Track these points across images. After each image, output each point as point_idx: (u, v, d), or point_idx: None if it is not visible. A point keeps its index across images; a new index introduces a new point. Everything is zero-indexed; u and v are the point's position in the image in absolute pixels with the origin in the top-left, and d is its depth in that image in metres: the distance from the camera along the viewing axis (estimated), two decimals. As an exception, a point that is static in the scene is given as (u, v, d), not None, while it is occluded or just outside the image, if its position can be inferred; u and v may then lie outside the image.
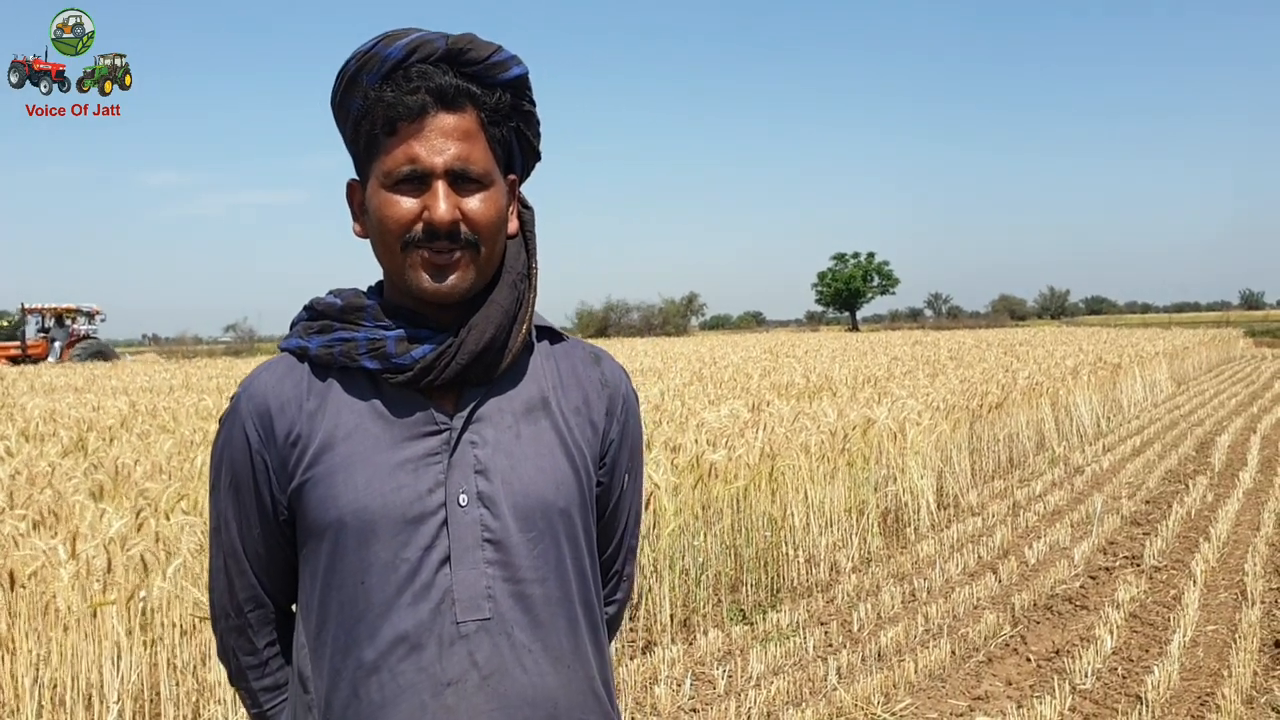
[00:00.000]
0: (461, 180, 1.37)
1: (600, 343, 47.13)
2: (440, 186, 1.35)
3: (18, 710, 3.62)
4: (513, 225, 1.48)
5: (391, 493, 1.36)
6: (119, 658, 3.81)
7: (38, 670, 3.67)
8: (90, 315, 43.92)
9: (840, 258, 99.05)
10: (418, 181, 1.36)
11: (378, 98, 1.35)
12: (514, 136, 1.47)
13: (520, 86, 1.44)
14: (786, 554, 6.76)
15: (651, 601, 5.77)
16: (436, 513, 1.36)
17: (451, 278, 1.38)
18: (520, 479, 1.40)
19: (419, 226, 1.36)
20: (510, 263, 1.47)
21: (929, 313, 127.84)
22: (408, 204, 1.36)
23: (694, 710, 4.73)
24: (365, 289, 1.49)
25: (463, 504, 1.37)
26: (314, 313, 1.47)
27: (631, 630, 5.71)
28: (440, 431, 1.39)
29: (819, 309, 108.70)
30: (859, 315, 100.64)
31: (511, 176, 1.49)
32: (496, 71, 1.40)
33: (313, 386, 1.43)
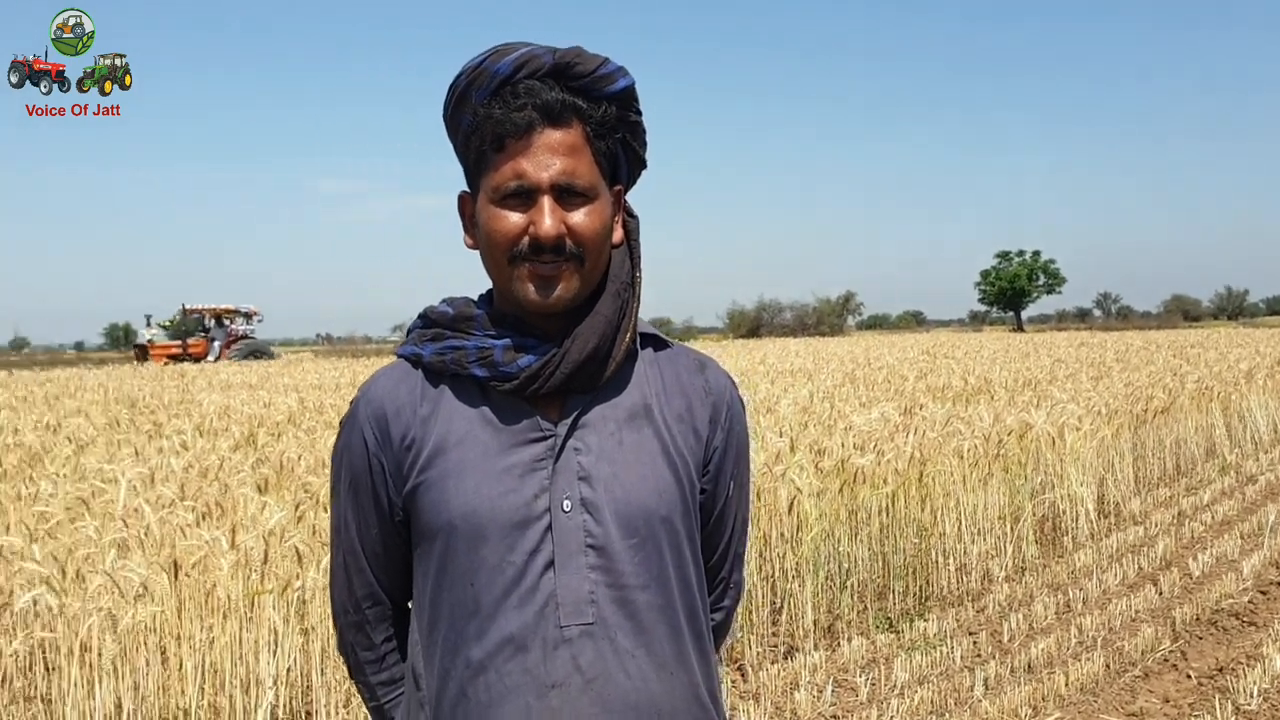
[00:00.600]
0: (567, 194, 1.40)
1: (752, 343, 47.16)
2: (546, 202, 1.38)
3: (182, 693, 3.83)
4: (618, 235, 1.51)
5: (499, 498, 1.39)
6: (275, 645, 3.98)
7: (200, 655, 3.88)
8: (248, 315, 45.62)
9: (1004, 256, 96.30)
10: (525, 196, 1.39)
11: (486, 114, 1.39)
12: (620, 147, 1.48)
13: (626, 98, 1.45)
14: (936, 561, 6.62)
15: (793, 606, 5.73)
16: (541, 518, 1.39)
17: (557, 290, 1.41)
18: (622, 486, 1.42)
19: (525, 241, 1.39)
20: (615, 272, 1.49)
21: (1097, 313, 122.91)
22: (515, 219, 1.40)
23: (834, 717, 4.68)
24: (476, 298, 1.54)
25: (566, 510, 1.39)
26: (427, 321, 1.53)
27: (773, 635, 5.68)
28: (545, 438, 1.42)
29: (982, 309, 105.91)
30: (1024, 315, 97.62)
31: (617, 187, 1.51)
32: (603, 84, 1.42)
33: (426, 392, 1.48)
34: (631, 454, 1.44)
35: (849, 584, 6.12)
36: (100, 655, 3.70)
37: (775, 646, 5.59)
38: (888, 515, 6.49)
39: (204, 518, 4.91)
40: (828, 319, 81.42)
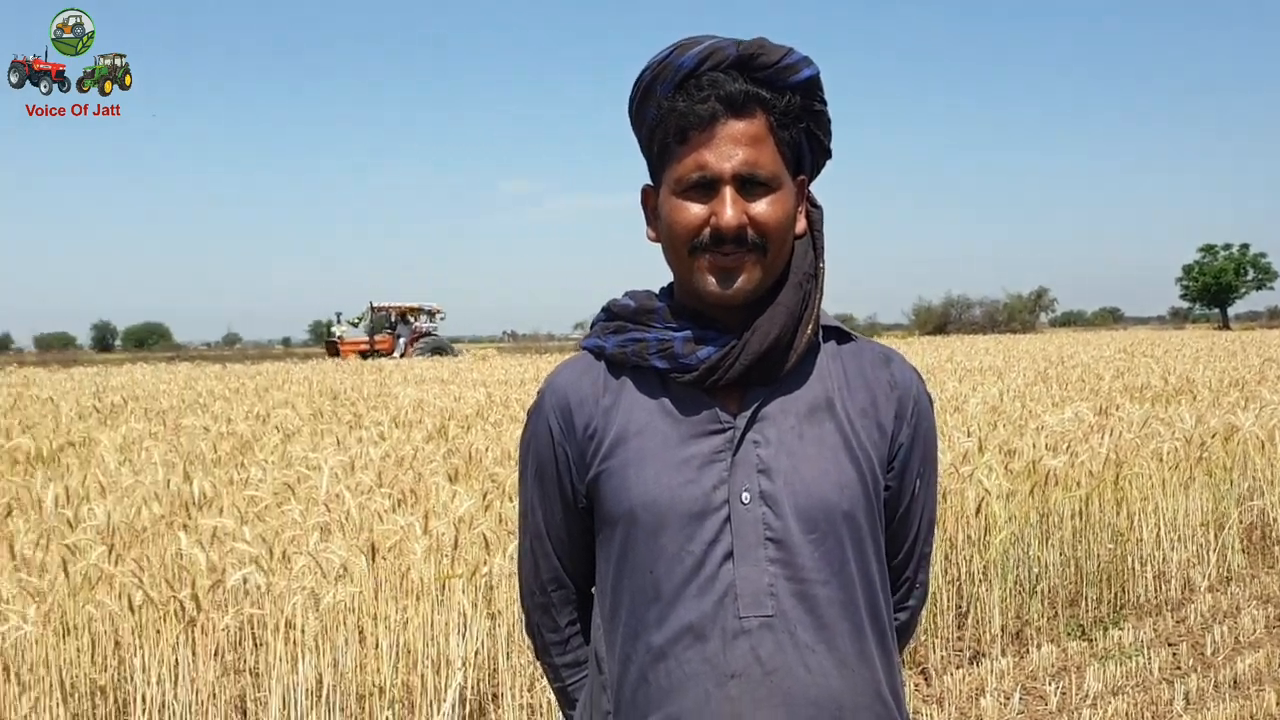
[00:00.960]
0: (749, 184, 1.40)
1: (939, 340, 45.96)
2: (728, 192, 1.39)
3: (378, 671, 4.01)
4: (801, 225, 1.50)
5: (678, 488, 1.41)
6: (465, 628, 4.12)
7: (395, 635, 4.05)
8: (431, 313, 47.00)
9: (1209, 249, 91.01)
10: (707, 188, 1.40)
11: (670, 107, 1.41)
12: (804, 137, 1.48)
13: (811, 88, 1.45)
14: (1132, 568, 6.33)
15: (980, 611, 5.58)
16: (720, 509, 1.40)
17: (738, 281, 1.41)
18: (802, 480, 1.41)
19: (706, 232, 1.41)
20: (797, 263, 1.49)
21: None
22: (696, 210, 1.41)
23: (1022, 725, 4.54)
24: (657, 291, 1.56)
25: (745, 502, 1.40)
26: (610, 314, 1.55)
27: (958, 639, 5.55)
28: (724, 430, 1.43)
29: (1184, 305, 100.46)
30: (1230, 312, 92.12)
31: (801, 177, 1.50)
32: (787, 75, 1.42)
33: (608, 384, 1.51)
34: (812, 448, 1.43)
35: (1039, 589, 5.92)
36: (303, 632, 3.91)
37: (960, 651, 5.46)
38: (1081, 519, 6.25)
39: (399, 504, 5.13)
40: (1019, 315, 78.77)
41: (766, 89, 1.41)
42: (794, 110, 1.44)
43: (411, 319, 46.43)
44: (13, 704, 3.78)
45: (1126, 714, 4.55)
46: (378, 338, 44.76)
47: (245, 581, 4.00)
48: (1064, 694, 4.82)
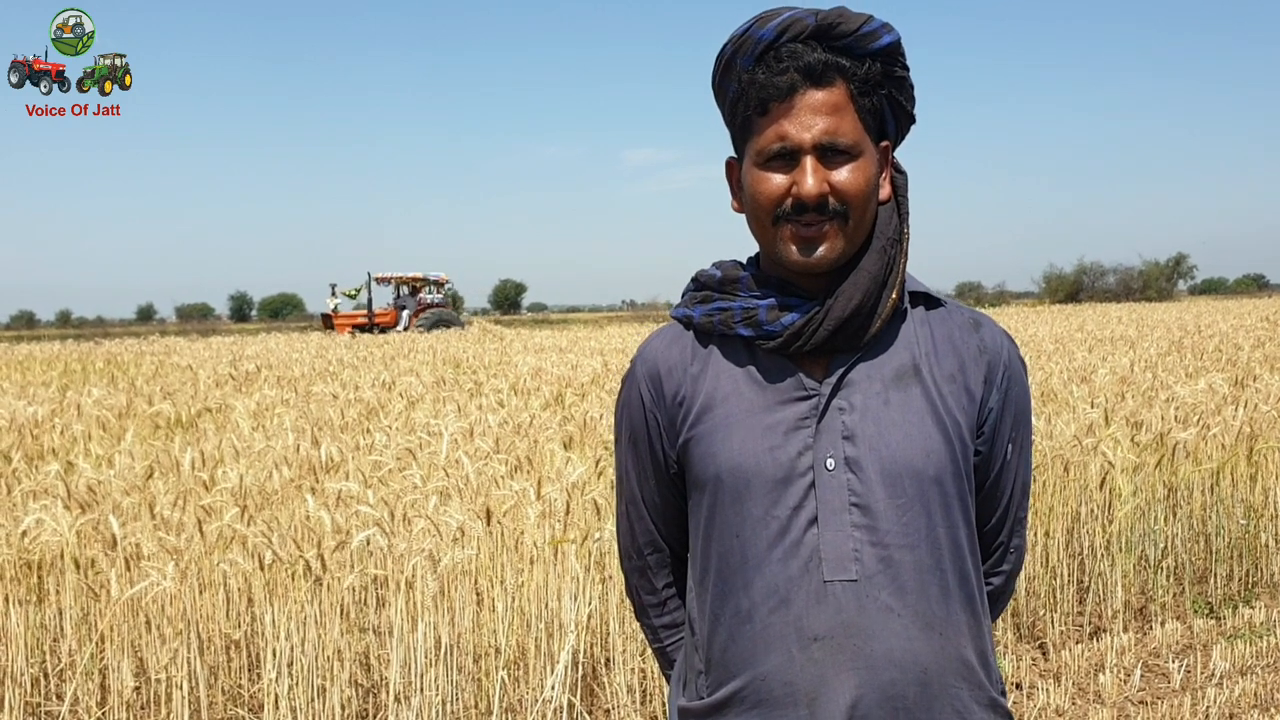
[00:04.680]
0: (830, 153, 1.42)
1: (1070, 308, 44.44)
2: (808, 162, 1.41)
3: (494, 632, 4.12)
4: (884, 191, 1.51)
5: (764, 454, 1.44)
6: (577, 593, 4.21)
7: (510, 598, 4.15)
8: (438, 284, 43.35)
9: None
10: (788, 158, 1.42)
11: (750, 80, 1.43)
12: (886, 103, 1.49)
13: (891, 54, 1.45)
14: (1266, 545, 6.11)
15: (1101, 586, 5.46)
16: (805, 475, 1.42)
17: (820, 249, 1.43)
18: (888, 446, 1.42)
19: (789, 201, 1.43)
20: (881, 228, 1.50)
21: None
22: (778, 180, 1.43)
23: (1143, 702, 4.44)
24: (744, 261, 1.58)
25: (830, 468, 1.42)
26: (698, 284, 1.59)
27: (1079, 614, 5.44)
28: (809, 397, 1.45)
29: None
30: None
31: (884, 143, 1.51)
32: (867, 42, 1.43)
33: (696, 352, 1.54)
34: (898, 414, 1.44)
35: (1164, 564, 5.76)
36: (422, 593, 4.03)
37: (1080, 626, 5.35)
38: (1211, 494, 6.06)
39: (515, 470, 5.23)
40: (1155, 283, 75.81)
41: (846, 57, 1.42)
42: (874, 77, 1.44)
43: (419, 289, 42.72)
44: (154, 655, 4.00)
45: (1255, 694, 4.41)
46: (377, 311, 41.10)
47: (368, 543, 4.14)
48: (1188, 672, 4.70)
